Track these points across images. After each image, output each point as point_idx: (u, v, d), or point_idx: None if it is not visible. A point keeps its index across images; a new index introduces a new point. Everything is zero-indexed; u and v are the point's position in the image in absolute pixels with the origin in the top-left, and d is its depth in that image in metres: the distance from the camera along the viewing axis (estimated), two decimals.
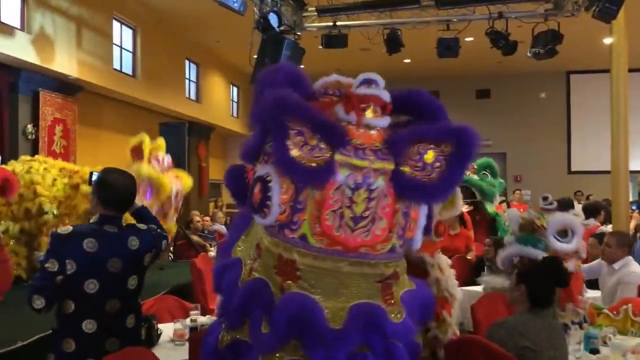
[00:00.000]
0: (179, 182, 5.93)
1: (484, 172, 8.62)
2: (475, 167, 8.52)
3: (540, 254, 3.76)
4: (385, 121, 2.07)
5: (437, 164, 1.98)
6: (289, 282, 2.02)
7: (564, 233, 3.94)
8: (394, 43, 10.00)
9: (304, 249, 1.97)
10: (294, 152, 1.89)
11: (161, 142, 5.99)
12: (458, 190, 3.57)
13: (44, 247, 5.29)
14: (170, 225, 5.89)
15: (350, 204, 1.94)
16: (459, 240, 7.43)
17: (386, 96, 2.07)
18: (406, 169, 1.98)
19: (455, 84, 18.38)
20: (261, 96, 2.01)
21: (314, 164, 1.89)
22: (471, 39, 11.75)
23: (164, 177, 5.71)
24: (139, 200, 3.13)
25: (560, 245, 3.88)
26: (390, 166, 1.97)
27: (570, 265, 3.77)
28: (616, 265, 4.68)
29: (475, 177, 8.27)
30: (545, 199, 5.28)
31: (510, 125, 18.28)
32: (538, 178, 17.50)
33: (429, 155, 1.98)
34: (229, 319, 2.15)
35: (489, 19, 9.41)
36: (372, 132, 2.02)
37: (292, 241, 1.98)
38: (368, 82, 2.08)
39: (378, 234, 1.98)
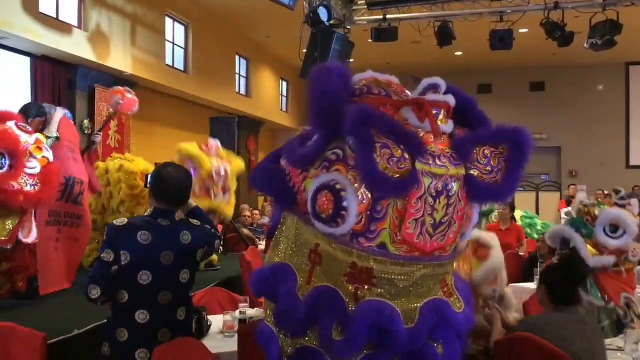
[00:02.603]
0: (225, 162, 5.98)
1: None
2: None
3: (577, 239, 3.87)
4: (451, 126, 2.08)
5: (500, 167, 2.04)
6: (363, 289, 2.03)
7: (615, 228, 3.91)
8: (445, 36, 9.86)
9: (383, 257, 1.98)
10: (382, 165, 1.89)
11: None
12: None
13: None
14: (222, 204, 5.92)
15: (432, 211, 1.96)
16: (511, 235, 7.50)
17: (453, 101, 2.08)
18: (475, 173, 2.02)
19: (508, 77, 17.96)
20: (317, 99, 2.02)
21: (398, 175, 1.90)
22: (525, 30, 11.45)
23: (203, 155, 5.80)
24: (192, 201, 3.16)
25: (605, 239, 3.89)
26: (462, 171, 2.01)
27: (604, 260, 3.85)
28: None
29: None
30: (617, 192, 5.08)
31: (566, 119, 17.72)
32: (594, 173, 16.93)
33: (494, 159, 2.04)
34: (292, 330, 2.13)
35: (544, 9, 9.18)
36: (442, 138, 2.04)
37: (370, 250, 1.97)
38: (434, 88, 2.10)
39: (451, 237, 2.03)
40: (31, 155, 4.21)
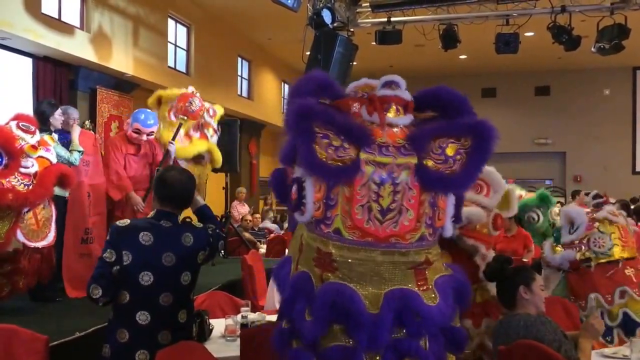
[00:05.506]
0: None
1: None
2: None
3: (546, 244, 4.04)
4: (407, 119, 2.24)
5: (458, 157, 2.15)
6: (327, 273, 2.20)
7: (572, 225, 3.99)
8: (450, 39, 9.82)
9: (339, 242, 2.15)
10: (321, 154, 2.07)
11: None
12: (514, 191, 3.53)
13: None
14: (214, 146, 6.18)
15: (376, 197, 2.10)
16: (517, 241, 7.36)
17: (406, 95, 2.25)
18: (429, 163, 2.13)
19: (513, 81, 17.92)
20: (288, 103, 2.25)
21: (339, 163, 2.08)
22: (531, 34, 11.40)
23: (177, 91, 6.01)
24: (201, 199, 3.20)
25: (563, 238, 3.98)
26: (413, 160, 2.13)
27: (564, 254, 3.90)
28: None
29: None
30: (588, 194, 5.02)
31: (571, 124, 17.64)
32: (600, 179, 16.79)
33: (450, 149, 2.15)
34: (285, 311, 2.34)
35: (551, 13, 9.13)
36: (395, 129, 2.19)
37: (328, 235, 2.16)
38: (389, 84, 2.27)
39: (406, 224, 2.13)
40: (27, 155, 4.22)
